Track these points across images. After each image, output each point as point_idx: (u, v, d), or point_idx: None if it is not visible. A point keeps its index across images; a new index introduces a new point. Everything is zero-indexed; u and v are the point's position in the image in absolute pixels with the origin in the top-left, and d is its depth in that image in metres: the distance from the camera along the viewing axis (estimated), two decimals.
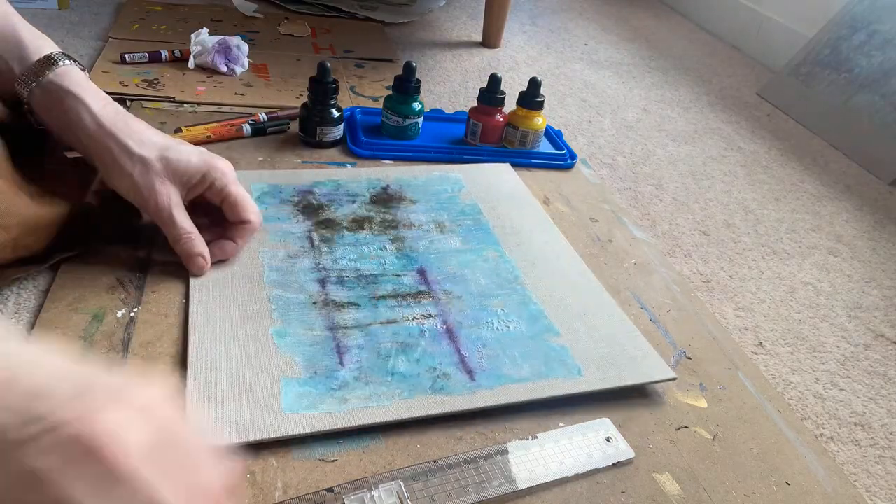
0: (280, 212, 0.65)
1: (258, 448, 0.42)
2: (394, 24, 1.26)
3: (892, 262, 0.80)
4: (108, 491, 0.23)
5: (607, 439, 0.47)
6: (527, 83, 0.82)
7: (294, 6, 1.24)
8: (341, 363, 0.49)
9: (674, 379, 0.53)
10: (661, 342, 0.58)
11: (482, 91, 0.83)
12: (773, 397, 0.55)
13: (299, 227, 0.63)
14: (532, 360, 0.52)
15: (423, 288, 0.58)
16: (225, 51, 0.92)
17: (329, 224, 0.64)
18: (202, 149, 0.55)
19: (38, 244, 0.51)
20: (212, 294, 0.53)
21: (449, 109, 0.95)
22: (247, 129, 0.78)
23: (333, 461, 0.43)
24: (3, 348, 0.26)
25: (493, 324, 0.55)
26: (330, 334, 0.52)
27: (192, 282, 0.54)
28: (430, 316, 0.55)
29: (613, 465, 0.46)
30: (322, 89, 0.76)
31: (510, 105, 0.84)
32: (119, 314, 0.51)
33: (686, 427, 0.50)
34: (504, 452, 0.45)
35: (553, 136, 0.89)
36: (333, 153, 0.79)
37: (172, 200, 0.52)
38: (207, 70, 0.92)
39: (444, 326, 0.54)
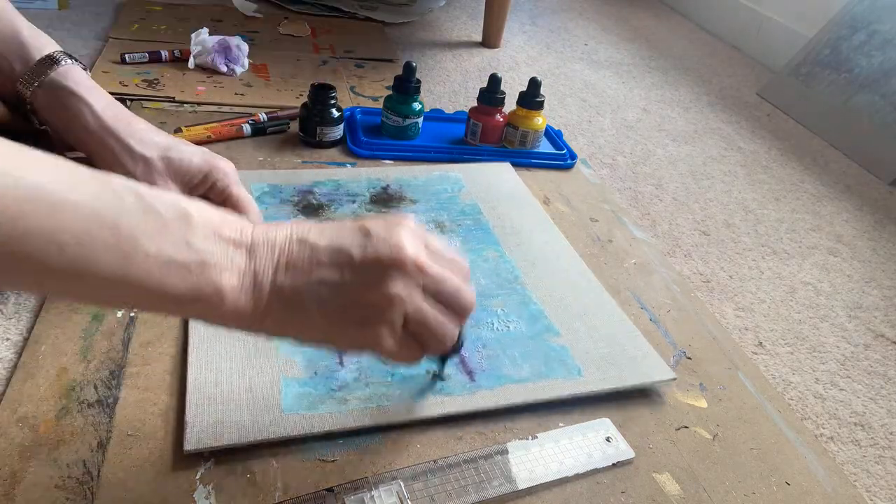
0: (280, 212, 0.65)
1: (258, 448, 0.42)
2: (394, 24, 1.26)
3: (892, 262, 0.80)
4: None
5: (607, 439, 0.47)
6: (527, 83, 0.82)
7: (294, 6, 1.24)
8: (341, 364, 0.49)
9: (674, 379, 0.53)
10: (661, 342, 0.58)
11: (482, 91, 0.83)
12: (773, 397, 0.55)
13: None
14: (532, 361, 0.52)
15: None
16: (225, 51, 0.92)
17: None
18: (204, 149, 0.55)
19: None
20: None
21: (449, 109, 0.95)
22: (247, 129, 0.78)
23: (333, 461, 0.43)
24: None
25: (492, 324, 0.55)
26: None
27: None
28: None
29: (613, 465, 0.46)
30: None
31: (510, 105, 0.84)
32: (119, 314, 0.51)
33: (686, 427, 0.50)
34: (504, 452, 0.45)
35: (553, 136, 0.89)
36: (333, 153, 0.79)
37: None
38: (207, 70, 0.92)
39: None
